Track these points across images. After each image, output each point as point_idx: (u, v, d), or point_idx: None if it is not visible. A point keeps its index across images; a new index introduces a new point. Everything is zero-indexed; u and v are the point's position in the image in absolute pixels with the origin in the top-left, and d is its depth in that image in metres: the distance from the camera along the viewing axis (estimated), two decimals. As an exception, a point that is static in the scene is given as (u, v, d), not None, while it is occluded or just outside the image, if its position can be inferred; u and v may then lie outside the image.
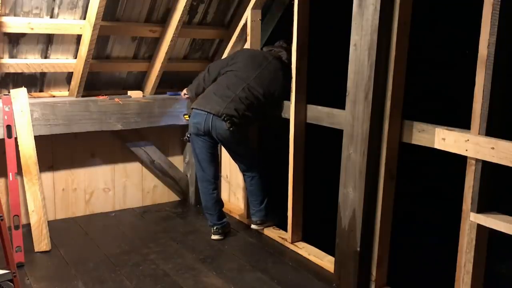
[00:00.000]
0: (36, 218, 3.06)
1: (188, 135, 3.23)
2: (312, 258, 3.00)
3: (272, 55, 3.19)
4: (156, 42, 3.62)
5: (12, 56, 3.18)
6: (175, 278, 2.74)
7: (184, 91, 3.56)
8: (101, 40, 3.34)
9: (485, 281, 2.14)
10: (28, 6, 2.99)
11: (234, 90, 3.04)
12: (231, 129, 2.98)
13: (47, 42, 3.22)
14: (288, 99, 3.07)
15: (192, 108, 3.16)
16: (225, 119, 2.97)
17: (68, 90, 3.55)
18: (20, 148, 3.06)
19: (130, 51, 3.61)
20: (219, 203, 3.33)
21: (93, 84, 3.60)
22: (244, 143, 3.22)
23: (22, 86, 3.22)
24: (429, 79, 3.41)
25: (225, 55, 3.63)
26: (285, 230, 3.27)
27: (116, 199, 3.87)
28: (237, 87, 3.06)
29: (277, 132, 3.35)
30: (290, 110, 3.05)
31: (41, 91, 3.48)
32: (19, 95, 3.09)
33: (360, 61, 2.38)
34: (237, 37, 3.53)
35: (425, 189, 3.50)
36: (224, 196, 3.85)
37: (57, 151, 3.54)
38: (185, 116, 3.70)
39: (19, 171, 3.08)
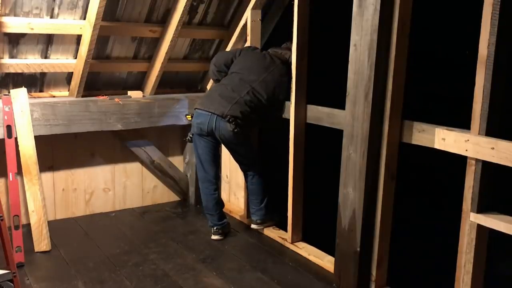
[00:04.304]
0: (36, 218, 3.06)
1: (191, 136, 3.23)
2: (312, 258, 3.00)
3: (280, 58, 3.18)
4: (156, 42, 3.62)
5: (12, 56, 3.18)
6: (175, 278, 2.74)
7: (188, 117, 3.61)
8: (101, 40, 3.34)
9: (485, 281, 2.14)
10: (28, 6, 2.99)
11: (239, 93, 3.04)
12: (235, 130, 2.97)
13: (47, 42, 3.22)
14: (289, 99, 3.07)
15: (195, 109, 3.16)
16: (230, 120, 2.96)
17: (68, 90, 3.55)
18: (20, 148, 3.06)
19: (130, 51, 3.61)
20: (220, 203, 3.33)
21: (93, 84, 3.60)
22: (246, 143, 3.22)
23: (22, 86, 3.22)
24: (429, 79, 3.41)
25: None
26: (285, 230, 3.27)
27: (116, 199, 3.87)
28: (242, 90, 3.05)
29: (277, 132, 3.35)
30: (290, 110, 3.05)
31: (41, 91, 3.48)
32: (19, 95, 3.09)
33: (360, 61, 2.38)
34: (237, 37, 3.53)
35: (425, 189, 3.50)
36: (224, 196, 3.85)
37: (57, 151, 3.54)
38: (187, 116, 3.70)
39: (19, 171, 3.08)
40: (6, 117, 3.04)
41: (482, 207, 2.04)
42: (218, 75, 3.31)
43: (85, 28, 3.15)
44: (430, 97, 3.36)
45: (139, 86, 3.87)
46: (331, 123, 2.79)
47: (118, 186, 3.86)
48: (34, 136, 3.10)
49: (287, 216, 3.21)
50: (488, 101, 1.94)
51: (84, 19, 3.17)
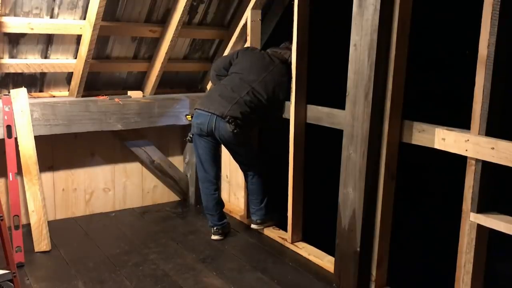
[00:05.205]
0: (36, 218, 3.06)
1: (191, 136, 3.23)
2: (312, 258, 3.00)
3: (279, 58, 3.18)
4: (156, 42, 3.62)
5: (12, 56, 3.18)
6: (175, 278, 2.74)
7: (188, 117, 3.60)
8: (101, 40, 3.34)
9: (485, 281, 2.14)
10: (28, 6, 2.99)
11: (239, 93, 3.03)
12: (235, 131, 2.97)
13: (47, 42, 3.22)
14: (289, 99, 3.07)
15: (195, 109, 3.16)
16: (230, 121, 2.96)
17: (68, 90, 3.55)
18: (20, 148, 3.06)
19: (130, 51, 3.61)
20: (220, 203, 3.33)
21: (93, 84, 3.60)
22: (246, 144, 3.22)
23: (22, 86, 3.22)
24: (429, 79, 3.41)
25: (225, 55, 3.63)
26: (285, 230, 3.27)
27: (116, 199, 3.87)
28: (242, 90, 3.05)
29: (277, 132, 3.35)
30: (290, 110, 3.05)
31: (41, 91, 3.48)
32: (19, 95, 3.09)
33: (360, 61, 2.38)
34: (237, 37, 3.53)
35: (425, 189, 3.50)
36: (224, 196, 3.85)
37: (57, 151, 3.54)
38: (187, 116, 3.70)
39: (19, 171, 3.08)
40: (6, 117, 3.04)
41: (482, 207, 2.04)
42: (218, 79, 3.32)
43: (85, 28, 3.15)
44: (430, 97, 3.36)
45: (139, 86, 3.87)
46: (331, 123, 2.79)
47: (118, 186, 3.86)
48: (34, 136, 3.10)
49: (287, 216, 3.21)
50: (488, 101, 1.94)
51: (84, 19, 3.17)
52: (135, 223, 3.64)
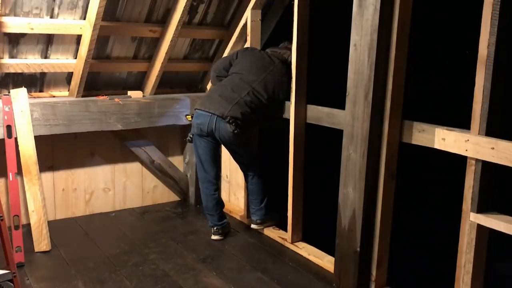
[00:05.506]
0: (36, 218, 3.07)
1: (191, 136, 3.22)
2: (312, 258, 3.00)
3: (278, 58, 3.18)
4: (156, 42, 3.62)
5: (12, 56, 3.18)
6: (175, 278, 2.74)
7: (188, 117, 3.60)
8: (101, 40, 3.34)
9: (485, 281, 2.14)
10: (28, 6, 2.99)
11: (240, 93, 3.03)
12: (235, 131, 2.97)
13: (47, 42, 3.22)
14: (289, 99, 3.07)
15: (196, 109, 3.16)
16: (230, 121, 2.96)
17: (68, 90, 3.55)
18: (20, 148, 3.06)
19: (130, 51, 3.61)
20: (220, 203, 3.33)
21: (93, 84, 3.60)
22: (246, 144, 3.22)
23: (22, 86, 3.22)
24: (429, 79, 3.41)
25: (225, 55, 3.63)
26: (285, 230, 3.27)
27: (116, 199, 3.87)
28: (242, 91, 3.04)
29: (277, 132, 3.35)
30: (290, 110, 3.05)
31: (41, 91, 3.48)
32: (19, 95, 3.09)
33: (360, 61, 2.38)
34: (237, 37, 3.53)
35: (425, 189, 3.50)
36: (224, 196, 3.85)
37: (57, 151, 3.54)
38: (187, 116, 3.70)
39: (19, 171, 3.08)
40: (6, 117, 3.04)
41: (482, 207, 2.04)
42: (218, 80, 3.32)
43: (85, 28, 3.15)
44: (430, 97, 3.36)
45: (139, 86, 3.87)
46: (331, 123, 2.79)
47: (118, 186, 3.86)
48: (34, 136, 3.10)
49: (287, 216, 3.21)
50: (488, 101, 1.94)
51: (84, 19, 3.17)
52: (135, 223, 3.64)
